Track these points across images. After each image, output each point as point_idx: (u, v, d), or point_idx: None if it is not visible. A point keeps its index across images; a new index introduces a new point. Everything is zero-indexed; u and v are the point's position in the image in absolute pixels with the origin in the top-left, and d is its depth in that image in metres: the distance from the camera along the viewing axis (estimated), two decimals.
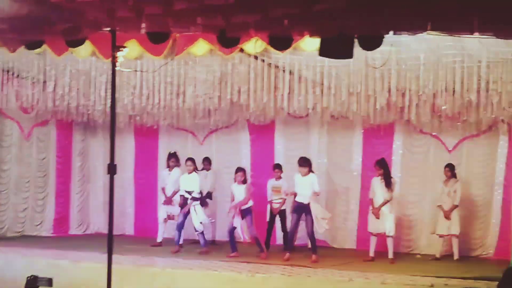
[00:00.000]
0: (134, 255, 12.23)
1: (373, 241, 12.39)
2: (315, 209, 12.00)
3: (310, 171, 12.17)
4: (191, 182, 12.94)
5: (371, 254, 12.30)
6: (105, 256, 8.66)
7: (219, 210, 14.29)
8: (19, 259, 11.75)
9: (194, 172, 13.03)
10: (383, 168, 12.34)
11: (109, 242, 9.10)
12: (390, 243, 12.24)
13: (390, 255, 12.15)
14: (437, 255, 12.63)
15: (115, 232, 10.08)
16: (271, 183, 13.13)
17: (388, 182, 12.20)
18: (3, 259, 11.83)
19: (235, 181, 12.55)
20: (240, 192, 12.44)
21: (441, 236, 12.61)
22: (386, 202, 12.16)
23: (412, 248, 13.60)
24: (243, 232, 12.34)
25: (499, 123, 12.72)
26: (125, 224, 15.94)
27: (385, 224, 12.20)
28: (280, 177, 13.05)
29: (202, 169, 14.00)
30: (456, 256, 12.44)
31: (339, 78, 11.94)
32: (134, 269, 11.04)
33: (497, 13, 7.45)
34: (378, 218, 12.16)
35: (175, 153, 13.83)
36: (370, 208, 12.41)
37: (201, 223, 12.75)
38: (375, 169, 12.46)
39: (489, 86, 11.39)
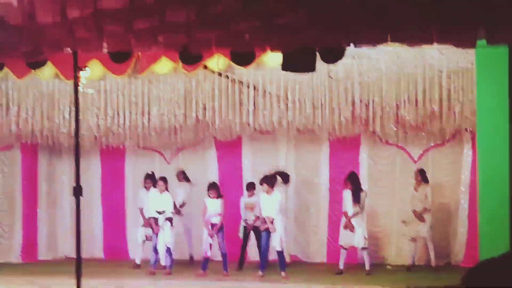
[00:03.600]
0: (105, 278, 12.12)
1: (343, 254, 12.42)
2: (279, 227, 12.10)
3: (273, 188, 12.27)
4: (164, 202, 12.85)
5: (341, 267, 12.32)
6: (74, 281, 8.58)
7: (192, 228, 14.19)
8: None
9: (166, 192, 12.94)
10: (352, 182, 12.42)
11: (78, 266, 9.03)
12: (365, 255, 12.30)
13: (367, 267, 12.20)
14: (407, 265, 12.69)
15: (84, 256, 10.02)
16: (244, 200, 13.10)
17: (356, 197, 12.27)
18: None
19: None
20: (214, 206, 12.39)
21: (413, 239, 12.68)
22: (355, 215, 12.23)
23: (382, 259, 13.65)
24: (207, 248, 12.30)
25: (462, 132, 12.88)
26: (94, 247, 15.76)
27: (355, 237, 12.26)
28: (253, 194, 13.00)
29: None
30: (433, 263, 12.51)
31: (303, 92, 12.03)
32: None
33: (455, 24, 7.58)
34: (352, 231, 12.21)
35: (151, 174, 13.69)
36: (342, 221, 12.47)
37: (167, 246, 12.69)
38: (345, 183, 12.52)
39: (451, 96, 11.57)
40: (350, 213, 12.29)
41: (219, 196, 12.46)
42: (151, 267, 12.70)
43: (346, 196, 12.44)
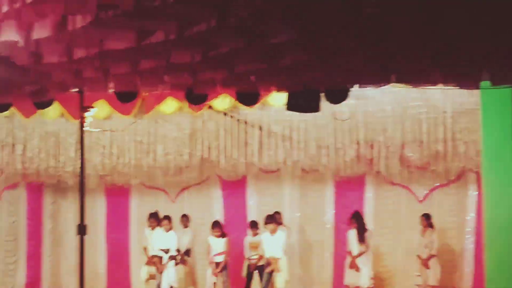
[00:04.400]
0: None
1: None
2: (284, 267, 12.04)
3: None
4: (168, 240, 12.83)
5: None
6: None
7: (197, 267, 14.12)
8: None
9: (171, 231, 12.94)
10: (357, 221, 12.38)
11: None
12: None
13: None
14: None
15: None
16: (248, 239, 13.06)
17: (361, 236, 12.22)
18: None
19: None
20: (218, 245, 12.31)
21: (419, 286, 12.55)
22: (360, 254, 12.16)
23: None
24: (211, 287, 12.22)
25: (467, 173, 12.85)
26: (98, 286, 15.67)
27: (360, 276, 12.17)
28: (257, 233, 12.97)
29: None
30: None
31: (307, 132, 12.08)
32: None
33: (460, 65, 7.62)
34: (358, 271, 12.13)
35: (155, 213, 13.68)
36: (347, 260, 12.40)
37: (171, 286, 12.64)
38: (350, 222, 12.49)
39: (455, 136, 11.59)
40: (355, 253, 12.22)
41: (223, 234, 12.43)
42: None
43: (351, 236, 12.38)
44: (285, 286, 12.03)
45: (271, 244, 12.09)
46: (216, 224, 12.59)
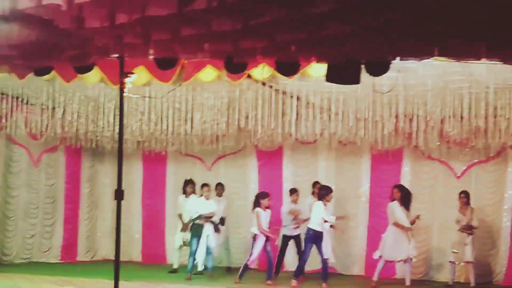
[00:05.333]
0: (142, 281, 12.23)
1: (380, 266, 12.21)
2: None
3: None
4: (209, 208, 12.95)
5: (375, 278, 12.14)
6: (112, 283, 8.67)
7: (231, 236, 14.22)
8: (26, 286, 11.70)
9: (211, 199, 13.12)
10: (401, 191, 12.24)
11: (116, 268, 9.11)
12: (408, 268, 12.11)
13: (408, 282, 12.02)
14: (450, 282, 12.46)
15: (122, 258, 10.09)
16: (288, 207, 13.01)
17: (406, 205, 12.10)
18: (10, 286, 11.79)
19: (257, 206, 12.32)
20: (267, 217, 12.33)
21: (452, 263, 12.45)
22: (413, 222, 12.09)
23: (421, 275, 13.46)
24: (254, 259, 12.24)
25: (507, 149, 12.68)
26: (133, 250, 15.90)
27: (409, 247, 12.04)
28: (297, 200, 12.95)
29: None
30: (472, 284, 12.21)
31: (346, 103, 11.98)
32: None
33: (504, 39, 7.46)
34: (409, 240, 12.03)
35: (191, 179, 13.80)
36: (390, 233, 12.23)
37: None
38: (393, 192, 12.29)
39: (497, 112, 11.41)
40: (405, 224, 12.06)
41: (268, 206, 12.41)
42: (188, 273, 12.76)
43: (395, 207, 12.16)
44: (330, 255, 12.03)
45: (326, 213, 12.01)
46: (266, 195, 12.46)
